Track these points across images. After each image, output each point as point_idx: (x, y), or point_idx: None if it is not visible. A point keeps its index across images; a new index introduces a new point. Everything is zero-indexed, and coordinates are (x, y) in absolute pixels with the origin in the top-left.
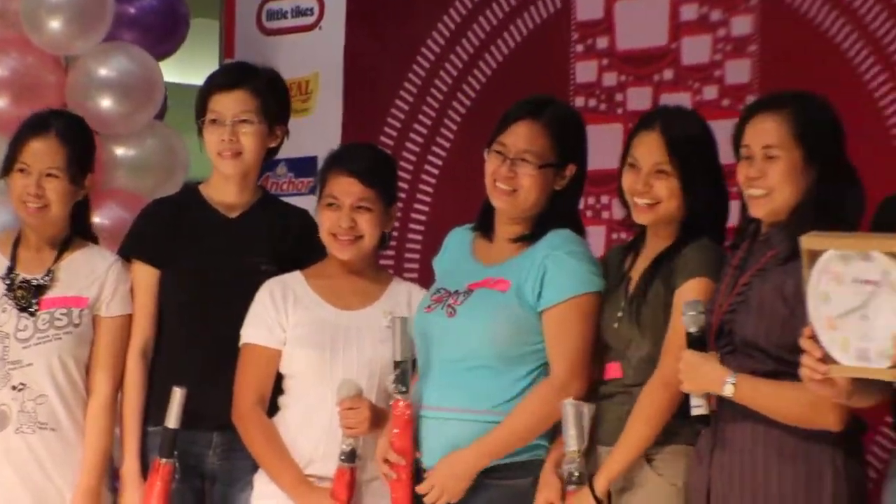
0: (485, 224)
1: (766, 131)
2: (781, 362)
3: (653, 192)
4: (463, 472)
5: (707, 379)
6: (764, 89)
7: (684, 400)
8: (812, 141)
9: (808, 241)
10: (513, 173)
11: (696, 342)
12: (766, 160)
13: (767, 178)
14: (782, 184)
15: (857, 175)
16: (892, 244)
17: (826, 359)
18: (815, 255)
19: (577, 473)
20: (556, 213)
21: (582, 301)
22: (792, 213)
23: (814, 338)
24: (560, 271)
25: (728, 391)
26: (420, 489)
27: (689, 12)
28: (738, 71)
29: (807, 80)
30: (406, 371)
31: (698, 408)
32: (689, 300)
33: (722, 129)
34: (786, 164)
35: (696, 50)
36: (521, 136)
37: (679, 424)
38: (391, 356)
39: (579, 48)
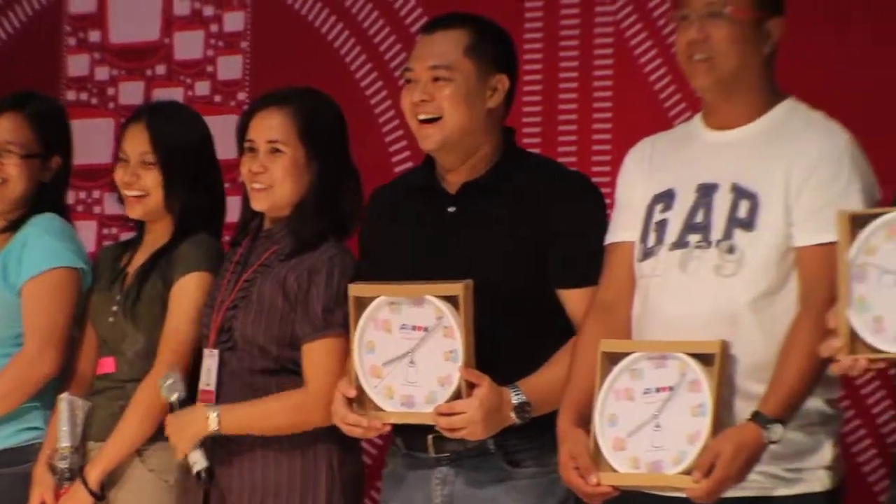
0: None
1: (271, 127)
2: (280, 360)
3: (140, 184)
4: None
5: (194, 426)
6: (255, 85)
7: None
8: (315, 137)
9: (355, 289)
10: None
11: (180, 407)
12: (269, 155)
13: (270, 173)
14: (285, 178)
15: (357, 171)
16: (444, 288)
17: (372, 406)
18: (363, 304)
19: (69, 470)
20: (44, 203)
21: (55, 275)
22: (294, 209)
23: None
24: (35, 248)
25: (213, 424)
26: None
27: (181, 7)
28: (230, 67)
29: (299, 77)
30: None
31: (197, 464)
32: (162, 374)
33: (214, 125)
34: (289, 159)
35: (188, 45)
36: (4, 129)
37: None
38: None
39: (71, 41)
